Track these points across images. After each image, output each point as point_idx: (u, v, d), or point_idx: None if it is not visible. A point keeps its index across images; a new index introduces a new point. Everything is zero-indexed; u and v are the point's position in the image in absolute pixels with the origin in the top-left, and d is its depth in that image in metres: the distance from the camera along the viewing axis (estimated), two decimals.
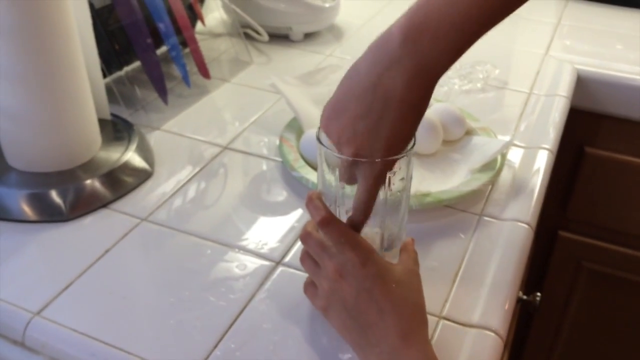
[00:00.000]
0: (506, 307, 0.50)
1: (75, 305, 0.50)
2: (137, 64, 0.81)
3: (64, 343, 0.47)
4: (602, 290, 1.05)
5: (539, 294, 0.74)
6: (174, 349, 0.46)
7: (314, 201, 0.46)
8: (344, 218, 0.47)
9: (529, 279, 1.05)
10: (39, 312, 0.48)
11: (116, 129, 0.70)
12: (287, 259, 0.55)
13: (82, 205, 0.60)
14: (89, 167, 0.64)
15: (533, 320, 1.13)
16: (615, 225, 0.99)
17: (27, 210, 0.59)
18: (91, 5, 0.69)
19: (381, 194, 0.45)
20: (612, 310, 1.06)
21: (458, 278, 0.53)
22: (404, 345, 0.41)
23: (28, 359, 0.48)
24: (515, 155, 0.70)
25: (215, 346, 0.46)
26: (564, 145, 0.85)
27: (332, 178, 0.46)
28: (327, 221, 0.45)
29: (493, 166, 0.64)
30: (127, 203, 0.62)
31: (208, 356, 0.45)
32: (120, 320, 0.48)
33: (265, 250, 0.56)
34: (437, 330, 0.48)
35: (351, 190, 0.46)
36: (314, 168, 0.63)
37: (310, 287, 0.49)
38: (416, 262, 0.47)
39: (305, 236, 0.47)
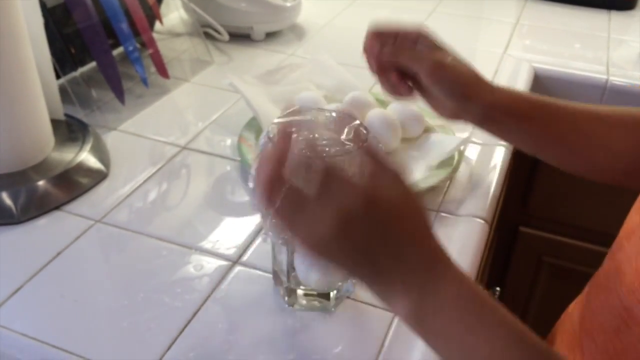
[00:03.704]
0: None
1: (25, 309, 0.48)
2: (93, 64, 0.79)
3: (14, 348, 0.46)
4: (562, 284, 1.07)
5: (498, 288, 0.75)
6: (127, 352, 0.45)
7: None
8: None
9: (490, 275, 1.06)
10: None
11: (70, 130, 0.69)
12: (244, 258, 0.55)
13: (34, 207, 0.59)
14: (41, 168, 0.62)
15: None
16: (574, 221, 1.01)
17: None
18: (43, 5, 0.68)
19: None
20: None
21: None
22: (434, 277, 0.37)
23: None
24: (472, 152, 0.71)
25: (169, 347, 0.45)
26: None
27: None
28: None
29: (450, 162, 0.65)
30: (82, 204, 0.60)
31: (161, 358, 0.44)
32: (71, 324, 0.47)
33: (222, 250, 0.55)
34: (391, 329, 0.48)
35: None
36: None
37: (284, 226, 0.38)
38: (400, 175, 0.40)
39: (271, 174, 0.37)
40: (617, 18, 1.12)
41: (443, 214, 0.61)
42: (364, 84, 0.84)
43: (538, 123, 0.57)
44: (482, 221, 0.60)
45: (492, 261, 1.02)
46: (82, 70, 0.77)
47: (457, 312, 0.36)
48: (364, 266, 0.38)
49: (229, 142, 0.72)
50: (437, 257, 0.38)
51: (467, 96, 0.56)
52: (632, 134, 0.56)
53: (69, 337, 0.46)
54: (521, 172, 0.98)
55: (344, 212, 0.36)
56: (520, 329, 0.36)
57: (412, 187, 0.40)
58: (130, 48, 0.77)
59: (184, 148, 0.70)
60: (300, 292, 0.49)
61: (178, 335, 0.46)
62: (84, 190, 0.63)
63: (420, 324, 0.37)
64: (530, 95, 0.58)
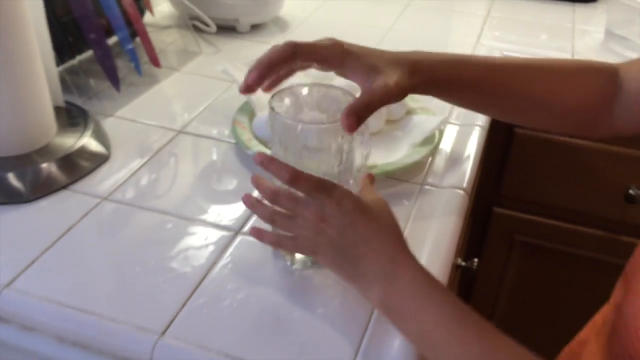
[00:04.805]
0: (444, 266, 0.56)
1: (43, 277, 0.52)
2: (88, 53, 0.82)
3: (36, 311, 0.49)
4: (534, 261, 1.14)
5: (476, 259, 0.80)
6: (145, 309, 0.49)
7: (275, 161, 0.49)
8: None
9: (467, 255, 1.12)
10: (8, 285, 0.50)
11: (70, 116, 0.72)
12: (245, 228, 0.59)
13: (41, 187, 0.62)
14: (45, 151, 0.65)
15: (472, 293, 1.20)
16: (544, 200, 1.08)
17: None
18: None
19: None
20: (543, 279, 1.15)
21: None
22: (395, 266, 0.45)
23: None
24: (451, 132, 0.76)
25: (184, 305, 0.49)
26: (495, 127, 0.92)
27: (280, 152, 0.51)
28: (297, 175, 0.47)
29: (432, 140, 0.70)
30: (86, 184, 0.64)
31: (177, 314, 0.48)
32: (89, 289, 0.51)
33: (224, 222, 0.59)
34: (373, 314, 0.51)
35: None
36: (267, 147, 0.67)
37: (286, 240, 0.50)
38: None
39: (273, 194, 0.49)
40: (580, 10, 1.19)
41: (427, 187, 0.66)
42: None
43: (468, 93, 0.57)
44: (462, 192, 0.65)
45: (469, 242, 1.08)
46: (79, 58, 0.79)
47: (411, 292, 0.45)
48: (342, 260, 0.47)
49: (221, 125, 0.75)
50: (399, 250, 0.47)
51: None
52: (578, 92, 0.58)
53: (87, 300, 0.49)
54: (494, 156, 1.04)
55: (319, 213, 0.47)
56: (463, 307, 0.44)
57: (379, 196, 0.50)
58: (124, 37, 0.80)
59: (180, 132, 0.74)
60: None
61: (191, 295, 0.50)
62: (87, 172, 0.66)
63: (388, 308, 0.46)
64: (455, 60, 0.56)
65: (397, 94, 0.49)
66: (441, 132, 0.72)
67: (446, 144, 0.73)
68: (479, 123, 0.78)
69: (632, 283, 0.51)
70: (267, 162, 0.49)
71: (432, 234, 0.60)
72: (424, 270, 0.46)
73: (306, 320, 0.49)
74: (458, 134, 0.76)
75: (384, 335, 0.48)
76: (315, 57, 0.49)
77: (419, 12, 1.16)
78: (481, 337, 0.43)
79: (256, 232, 0.52)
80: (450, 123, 0.77)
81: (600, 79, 0.58)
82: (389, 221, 0.49)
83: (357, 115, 0.46)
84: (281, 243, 0.51)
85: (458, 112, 0.80)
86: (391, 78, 0.49)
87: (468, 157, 0.71)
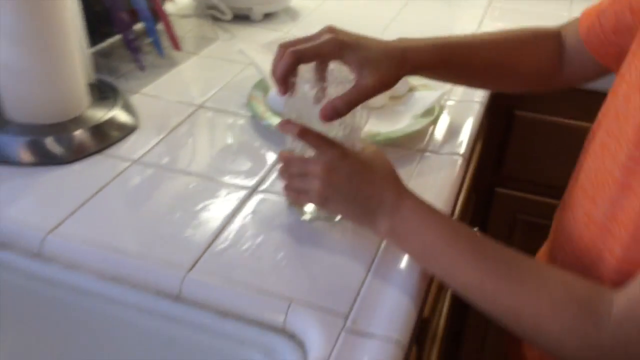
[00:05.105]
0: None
1: (83, 224, 0.58)
2: (116, 38, 0.89)
3: (78, 252, 0.55)
4: (536, 240, 1.19)
5: (476, 228, 0.86)
6: (174, 250, 0.55)
7: (290, 122, 0.56)
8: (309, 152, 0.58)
9: None
10: (52, 230, 0.57)
11: (101, 91, 0.78)
12: (262, 187, 0.65)
13: (76, 151, 0.68)
14: (78, 120, 0.72)
15: None
16: (545, 180, 1.13)
17: (26, 155, 0.67)
18: None
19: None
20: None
21: None
22: (399, 199, 0.53)
23: (45, 268, 0.56)
24: (451, 106, 0.82)
25: (208, 247, 0.55)
26: (497, 110, 0.98)
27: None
28: (305, 130, 0.55)
29: (432, 112, 0.76)
30: (117, 151, 0.70)
31: (202, 254, 0.54)
32: (123, 234, 0.57)
33: (242, 182, 0.65)
34: (377, 255, 0.57)
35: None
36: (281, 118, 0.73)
37: (301, 195, 0.57)
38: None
39: (287, 159, 0.58)
40: (578, 1, 1.24)
41: (427, 154, 0.72)
42: None
43: (452, 72, 0.66)
44: (460, 157, 0.71)
45: (471, 222, 1.13)
46: (109, 41, 0.86)
47: (413, 216, 0.53)
48: (352, 204, 0.54)
49: (238, 101, 0.82)
50: (400, 188, 0.55)
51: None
52: (535, 55, 0.68)
53: (123, 243, 0.55)
54: (495, 137, 1.10)
55: (327, 166, 0.54)
56: (459, 224, 0.53)
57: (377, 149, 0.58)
58: (149, 26, 0.87)
59: (200, 107, 0.80)
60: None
61: (216, 238, 0.56)
62: (117, 140, 0.72)
63: (394, 233, 0.54)
64: (438, 44, 0.63)
65: (381, 90, 0.56)
66: (441, 106, 0.78)
67: (446, 117, 0.79)
68: (477, 99, 0.84)
69: (566, 212, 0.60)
70: (283, 124, 0.57)
71: (431, 194, 0.65)
72: (423, 201, 0.54)
73: (319, 256, 0.56)
74: (457, 108, 0.81)
75: (392, 259, 0.55)
76: (317, 57, 0.56)
77: (422, 3, 1.22)
78: (473, 241, 0.50)
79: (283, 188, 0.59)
80: (450, 99, 0.83)
81: (550, 42, 0.68)
82: (387, 166, 0.56)
83: (337, 111, 0.54)
84: (298, 198, 0.58)
85: (457, 88, 0.86)
86: (380, 73, 0.56)
87: (466, 127, 0.77)
